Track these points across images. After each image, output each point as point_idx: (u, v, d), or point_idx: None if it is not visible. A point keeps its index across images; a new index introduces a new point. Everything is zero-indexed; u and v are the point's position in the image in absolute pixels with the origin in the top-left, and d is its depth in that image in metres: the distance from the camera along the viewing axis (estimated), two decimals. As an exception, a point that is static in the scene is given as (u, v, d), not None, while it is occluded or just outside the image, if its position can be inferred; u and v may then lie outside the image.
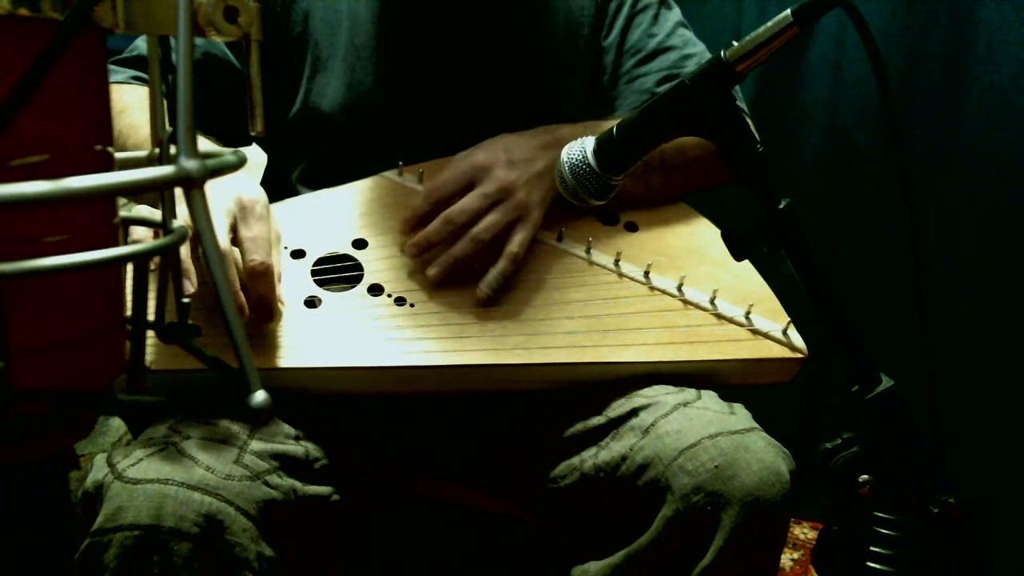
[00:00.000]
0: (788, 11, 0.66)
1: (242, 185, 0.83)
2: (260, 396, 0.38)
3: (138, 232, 0.78)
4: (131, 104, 0.95)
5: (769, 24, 0.67)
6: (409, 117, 1.03)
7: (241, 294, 0.79)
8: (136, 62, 1.04)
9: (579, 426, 0.88)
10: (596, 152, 0.77)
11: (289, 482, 0.79)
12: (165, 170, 0.35)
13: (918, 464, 0.67)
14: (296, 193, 1.04)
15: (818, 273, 0.68)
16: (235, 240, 0.80)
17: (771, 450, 0.80)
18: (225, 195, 0.81)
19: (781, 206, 0.68)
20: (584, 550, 0.86)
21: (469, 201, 0.90)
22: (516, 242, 0.90)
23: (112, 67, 1.03)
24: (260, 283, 0.79)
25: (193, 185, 0.36)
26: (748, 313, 0.93)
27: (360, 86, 1.02)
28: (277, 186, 1.11)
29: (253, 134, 0.42)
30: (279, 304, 0.83)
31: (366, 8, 1.04)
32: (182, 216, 0.46)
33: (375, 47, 1.03)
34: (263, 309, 0.81)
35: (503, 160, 0.91)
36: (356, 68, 1.03)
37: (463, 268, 0.90)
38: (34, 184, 0.31)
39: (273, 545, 0.76)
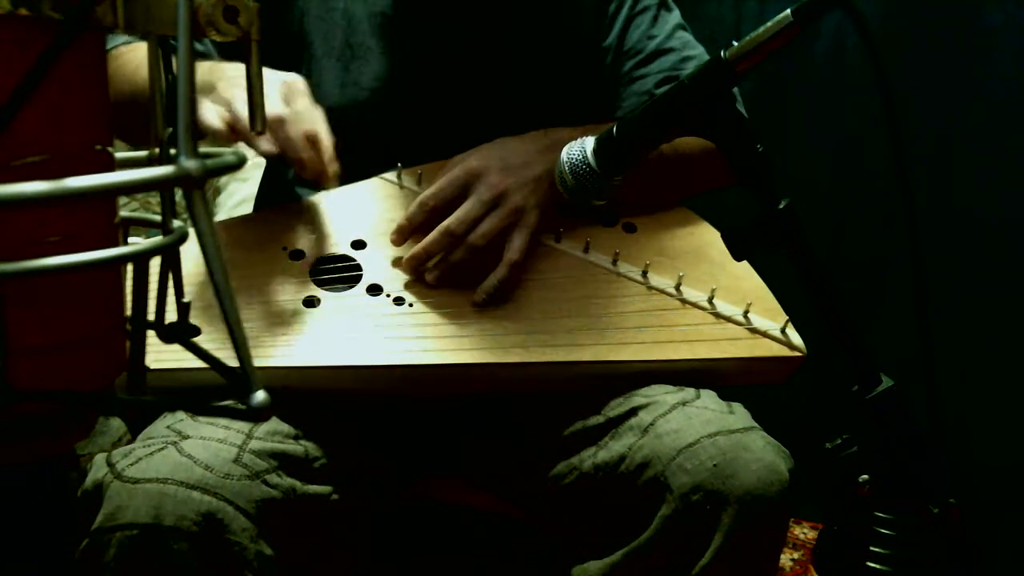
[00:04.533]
0: (788, 11, 0.66)
1: (283, 73, 0.89)
2: (260, 396, 0.38)
3: None
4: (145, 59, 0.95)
5: (769, 24, 0.67)
6: (405, 118, 1.03)
7: (305, 152, 0.84)
8: None
9: (578, 425, 0.88)
10: (596, 152, 0.78)
11: (288, 481, 0.79)
12: (165, 170, 0.35)
13: (918, 464, 0.67)
14: (293, 193, 1.04)
15: (818, 273, 0.69)
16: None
17: (770, 449, 0.80)
18: (271, 77, 0.87)
19: (781, 206, 0.68)
20: (584, 549, 0.86)
21: (467, 210, 0.90)
22: (515, 248, 0.90)
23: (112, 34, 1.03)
24: (317, 147, 0.85)
25: (193, 185, 0.36)
26: (746, 312, 0.93)
27: (355, 86, 1.02)
28: (274, 186, 1.10)
29: (253, 133, 0.42)
30: (335, 166, 0.87)
31: (362, 8, 1.04)
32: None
33: (370, 47, 1.03)
34: (323, 168, 0.86)
35: (497, 165, 0.91)
36: (351, 68, 1.02)
37: (461, 272, 0.90)
38: (34, 184, 0.31)
39: (272, 544, 0.76)
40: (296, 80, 0.88)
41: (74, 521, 0.77)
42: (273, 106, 0.85)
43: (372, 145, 1.02)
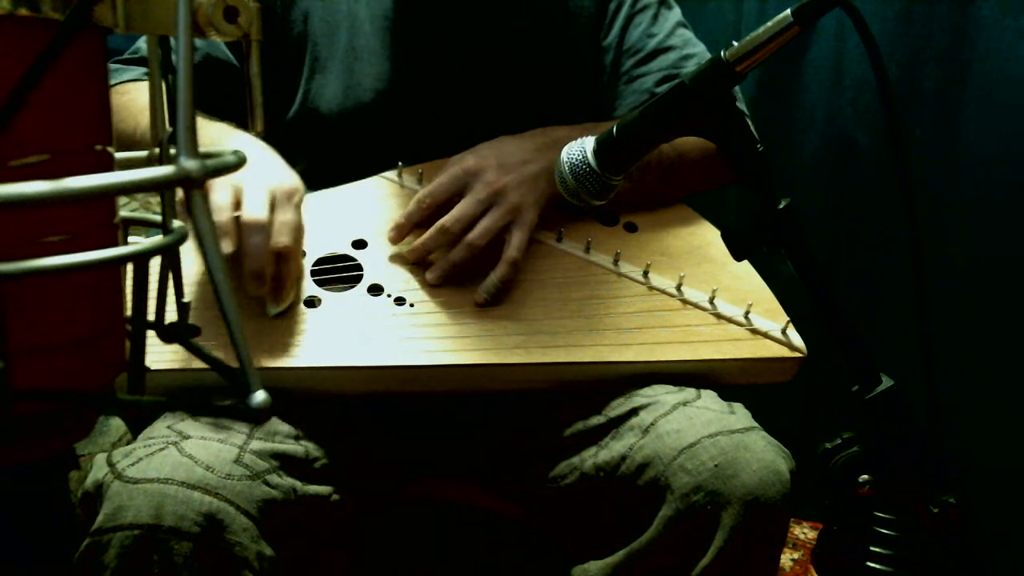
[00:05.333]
0: (788, 11, 0.66)
1: (285, 173, 0.86)
2: (260, 396, 0.38)
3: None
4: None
5: (769, 24, 0.67)
6: (407, 119, 1.03)
7: (266, 267, 0.81)
8: (140, 62, 1.04)
9: (579, 426, 0.88)
10: (596, 152, 0.77)
11: (289, 482, 0.80)
12: (165, 170, 0.35)
13: (918, 464, 0.67)
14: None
15: (818, 273, 0.69)
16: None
17: (771, 449, 0.80)
18: (269, 175, 0.84)
19: (781, 206, 0.68)
20: (584, 549, 0.86)
21: (463, 208, 0.90)
22: (514, 246, 0.90)
23: (120, 67, 1.03)
24: (281, 265, 0.82)
25: (193, 185, 0.36)
26: (747, 313, 0.93)
27: (358, 87, 1.02)
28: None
29: (253, 134, 0.42)
30: (290, 295, 0.85)
31: (365, 10, 1.04)
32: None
33: (373, 49, 1.03)
34: (277, 290, 0.84)
35: (494, 164, 0.91)
36: (354, 69, 1.03)
37: (461, 272, 0.90)
38: (34, 184, 0.31)
39: (273, 544, 0.76)
40: (293, 189, 0.84)
41: (74, 521, 0.77)
42: (255, 210, 0.80)
43: (375, 146, 1.02)
